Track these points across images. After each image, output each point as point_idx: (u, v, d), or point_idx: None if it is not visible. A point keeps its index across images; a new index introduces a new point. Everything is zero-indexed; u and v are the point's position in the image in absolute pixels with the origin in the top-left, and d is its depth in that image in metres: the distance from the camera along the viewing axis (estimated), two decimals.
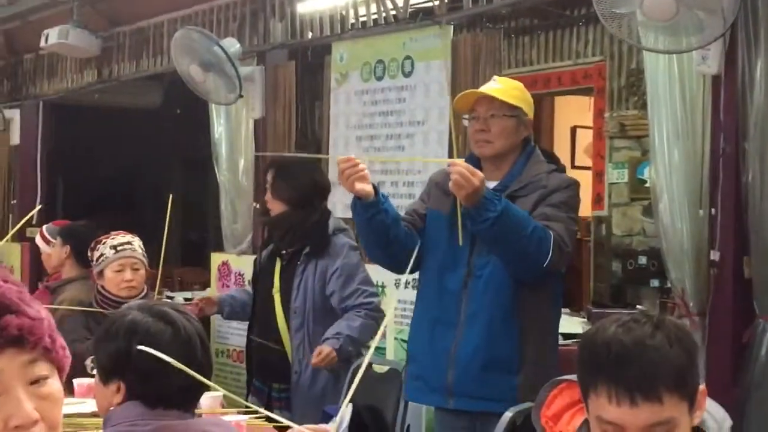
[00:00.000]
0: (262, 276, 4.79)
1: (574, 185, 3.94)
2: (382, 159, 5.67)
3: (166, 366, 2.33)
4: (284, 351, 4.60)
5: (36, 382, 1.56)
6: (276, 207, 4.66)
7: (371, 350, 2.09)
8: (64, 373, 1.63)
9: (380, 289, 5.53)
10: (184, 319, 2.48)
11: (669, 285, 4.58)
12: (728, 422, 2.09)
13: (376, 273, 4.92)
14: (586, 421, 2.16)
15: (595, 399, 1.98)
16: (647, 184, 6.25)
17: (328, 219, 4.66)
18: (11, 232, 5.78)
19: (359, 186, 3.73)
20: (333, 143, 6.14)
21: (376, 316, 4.55)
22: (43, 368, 1.58)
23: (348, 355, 4.49)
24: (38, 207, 7.41)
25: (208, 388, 2.57)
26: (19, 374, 1.54)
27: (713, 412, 2.09)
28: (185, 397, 2.42)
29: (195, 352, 2.44)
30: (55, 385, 1.59)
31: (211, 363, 2.51)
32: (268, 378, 4.65)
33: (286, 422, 1.83)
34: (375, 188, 3.80)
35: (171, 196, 4.55)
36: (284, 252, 4.69)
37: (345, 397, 2.10)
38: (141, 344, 1.75)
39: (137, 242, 4.71)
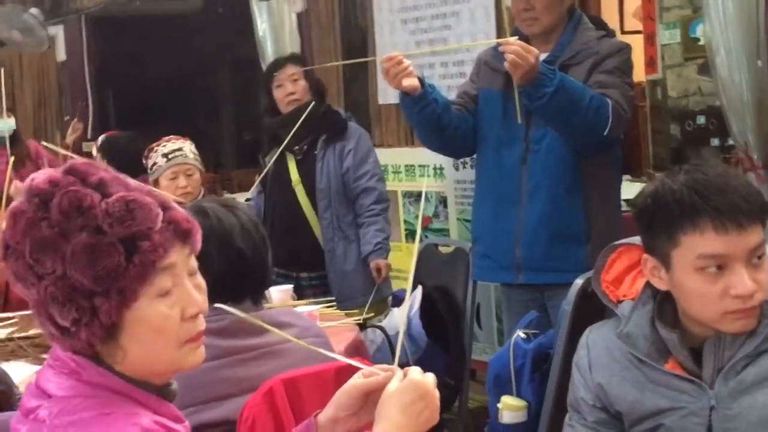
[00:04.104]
0: (275, 177, 4.84)
1: (626, 49, 3.89)
2: (429, 51, 5.59)
3: (205, 260, 2.36)
4: (314, 237, 4.74)
5: (193, 274, 1.65)
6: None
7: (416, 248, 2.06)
8: None
9: (437, 171, 5.53)
10: (224, 211, 2.49)
11: (730, 142, 4.52)
12: None
13: (432, 156, 4.91)
14: (647, 284, 2.16)
15: (696, 238, 1.99)
16: (701, 42, 6.14)
17: (335, 110, 4.90)
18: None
19: (405, 82, 3.75)
20: (378, 30, 6.07)
21: (385, 207, 4.82)
22: (194, 260, 1.66)
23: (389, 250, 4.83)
24: (73, 120, 7.58)
25: (260, 279, 2.58)
26: (185, 266, 1.62)
27: None
28: (232, 288, 2.43)
29: (231, 241, 2.46)
30: (200, 276, 1.68)
31: (259, 252, 2.52)
32: (295, 268, 4.73)
33: (352, 362, 1.86)
34: (421, 81, 3.79)
35: None
36: (297, 147, 4.75)
37: (409, 282, 2.11)
38: None
39: (188, 147, 4.67)
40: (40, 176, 1.57)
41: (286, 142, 4.35)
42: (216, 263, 2.38)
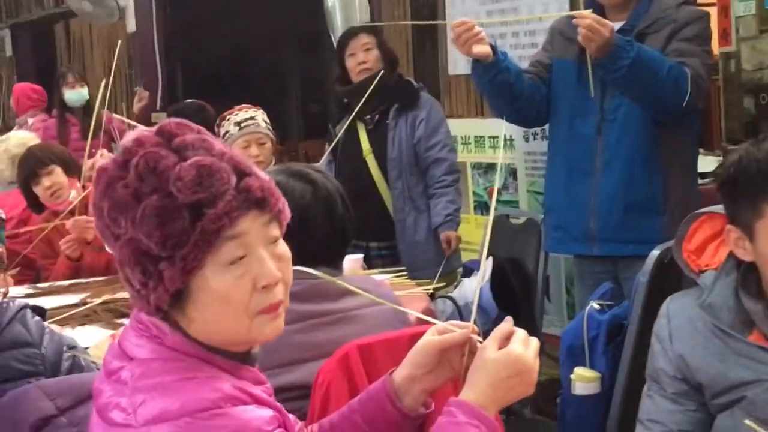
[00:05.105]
0: (346, 146, 4.83)
1: (706, 17, 3.83)
2: (500, 20, 5.53)
3: (309, 223, 2.37)
4: (385, 207, 4.75)
5: (273, 242, 1.60)
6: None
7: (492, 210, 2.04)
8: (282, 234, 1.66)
9: (507, 142, 5.49)
10: (323, 177, 2.49)
11: None
12: None
13: (503, 128, 4.87)
14: (730, 254, 2.11)
15: None
16: None
17: (407, 79, 4.89)
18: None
19: (477, 49, 3.71)
20: (449, 0, 6.02)
21: (456, 178, 4.80)
22: (276, 229, 1.62)
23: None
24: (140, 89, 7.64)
25: (348, 244, 2.58)
26: (260, 235, 1.57)
27: None
28: (331, 254, 2.44)
29: (335, 207, 2.46)
30: (284, 245, 1.64)
31: (352, 219, 2.52)
32: (365, 238, 4.71)
33: (428, 319, 1.85)
34: (493, 48, 3.75)
35: None
36: (368, 117, 4.75)
37: (482, 253, 2.09)
38: None
39: (261, 116, 4.67)
40: (132, 135, 1.56)
41: (356, 110, 4.34)
42: (321, 229, 2.40)
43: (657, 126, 3.71)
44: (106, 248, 1.59)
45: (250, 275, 1.56)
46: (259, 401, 1.57)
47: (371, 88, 4.33)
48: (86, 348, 2.65)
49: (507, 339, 1.71)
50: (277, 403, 1.64)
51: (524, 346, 1.69)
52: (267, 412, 1.55)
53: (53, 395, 2.09)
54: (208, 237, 1.51)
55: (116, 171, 1.53)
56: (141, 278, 1.52)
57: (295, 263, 2.32)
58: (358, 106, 4.32)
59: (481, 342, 1.73)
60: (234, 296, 1.55)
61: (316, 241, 2.37)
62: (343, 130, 4.54)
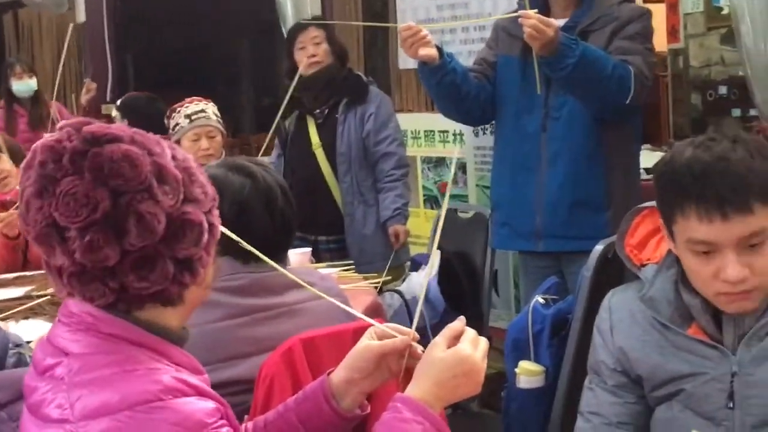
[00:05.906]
0: (294, 141, 4.84)
1: (647, 14, 3.86)
2: (447, 25, 5.53)
3: (248, 216, 2.37)
4: (334, 201, 4.75)
5: None
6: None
7: (446, 200, 2.04)
8: None
9: (457, 137, 5.51)
10: (263, 170, 2.49)
11: (752, 113, 4.49)
12: None
13: (452, 122, 4.88)
14: (670, 250, 2.13)
15: (684, 221, 1.95)
16: (724, 12, 6.09)
17: (357, 74, 4.88)
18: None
19: (423, 52, 3.73)
20: None
21: (405, 172, 4.80)
22: None
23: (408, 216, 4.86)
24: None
25: (292, 239, 2.58)
26: None
27: None
28: (273, 247, 2.44)
29: (275, 200, 2.46)
30: None
31: (295, 212, 2.52)
32: (314, 231, 4.72)
33: (367, 319, 1.86)
34: (440, 50, 3.76)
35: None
36: (318, 111, 4.75)
37: (432, 246, 2.10)
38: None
39: (211, 109, 4.65)
40: (102, 127, 1.56)
41: (287, 100, 4.35)
42: (261, 222, 2.41)
43: (600, 123, 3.74)
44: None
45: None
46: (200, 393, 1.56)
47: (294, 81, 4.35)
48: (29, 342, 2.63)
49: (457, 338, 1.73)
50: (218, 395, 1.64)
51: (473, 346, 1.71)
52: (209, 404, 1.55)
53: None
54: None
55: (141, 149, 1.55)
56: (205, 236, 1.60)
57: (241, 260, 2.33)
58: (287, 97, 4.34)
59: (423, 350, 1.75)
60: None
61: (256, 234, 2.37)
62: (276, 121, 4.54)
